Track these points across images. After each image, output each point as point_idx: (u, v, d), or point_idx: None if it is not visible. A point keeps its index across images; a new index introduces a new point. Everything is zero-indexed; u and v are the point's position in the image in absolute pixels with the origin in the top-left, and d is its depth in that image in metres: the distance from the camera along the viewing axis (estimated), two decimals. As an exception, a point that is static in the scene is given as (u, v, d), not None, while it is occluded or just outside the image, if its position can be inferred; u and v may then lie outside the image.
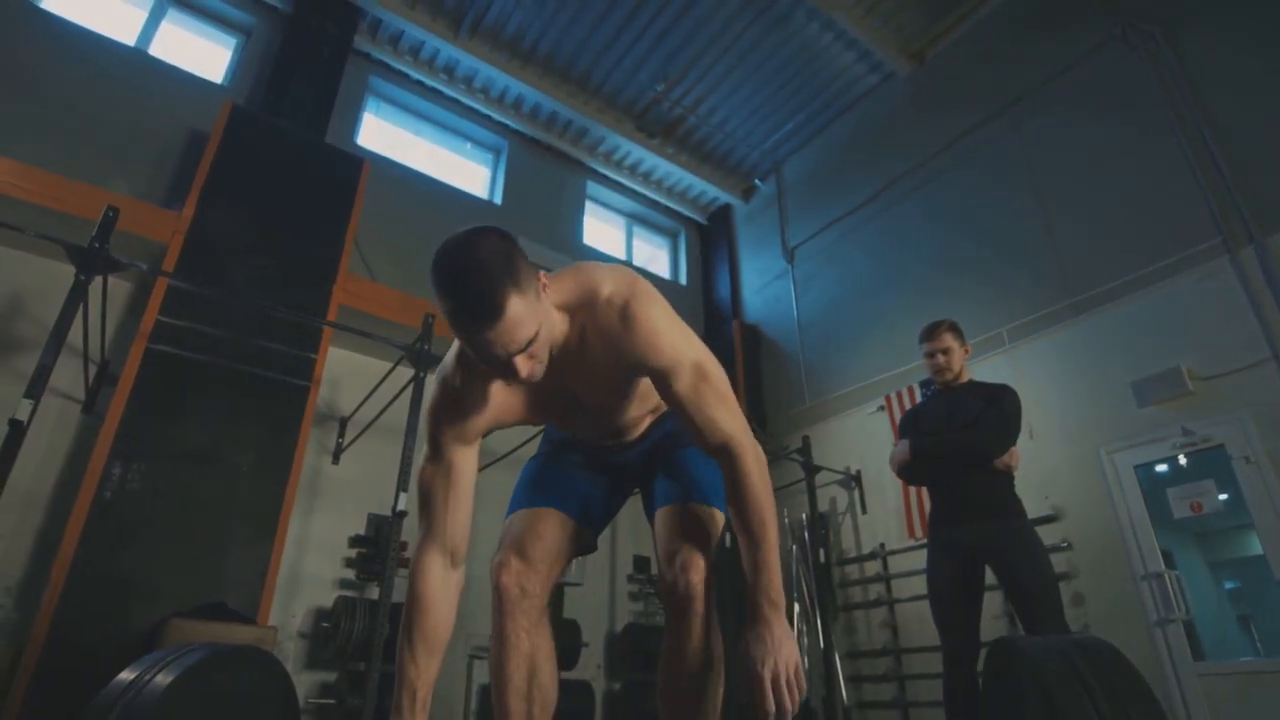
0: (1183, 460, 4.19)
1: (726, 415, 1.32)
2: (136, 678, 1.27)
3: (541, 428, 1.86)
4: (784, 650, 1.23)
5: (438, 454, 1.34)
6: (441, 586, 1.30)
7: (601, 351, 1.28)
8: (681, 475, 1.51)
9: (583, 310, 1.27)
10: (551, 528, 1.45)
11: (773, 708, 1.18)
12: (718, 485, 1.42)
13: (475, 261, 1.06)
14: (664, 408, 1.55)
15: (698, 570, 1.36)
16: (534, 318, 1.11)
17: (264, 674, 1.46)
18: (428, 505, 1.34)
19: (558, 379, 1.31)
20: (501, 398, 1.34)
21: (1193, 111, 4.49)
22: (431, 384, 1.37)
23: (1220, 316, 4.11)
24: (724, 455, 1.34)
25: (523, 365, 1.13)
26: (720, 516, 1.48)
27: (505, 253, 1.08)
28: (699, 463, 1.50)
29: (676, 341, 1.29)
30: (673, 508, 1.46)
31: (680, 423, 1.36)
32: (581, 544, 1.53)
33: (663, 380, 1.30)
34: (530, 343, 1.11)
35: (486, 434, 1.39)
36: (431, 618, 1.27)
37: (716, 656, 1.38)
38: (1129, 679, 1.00)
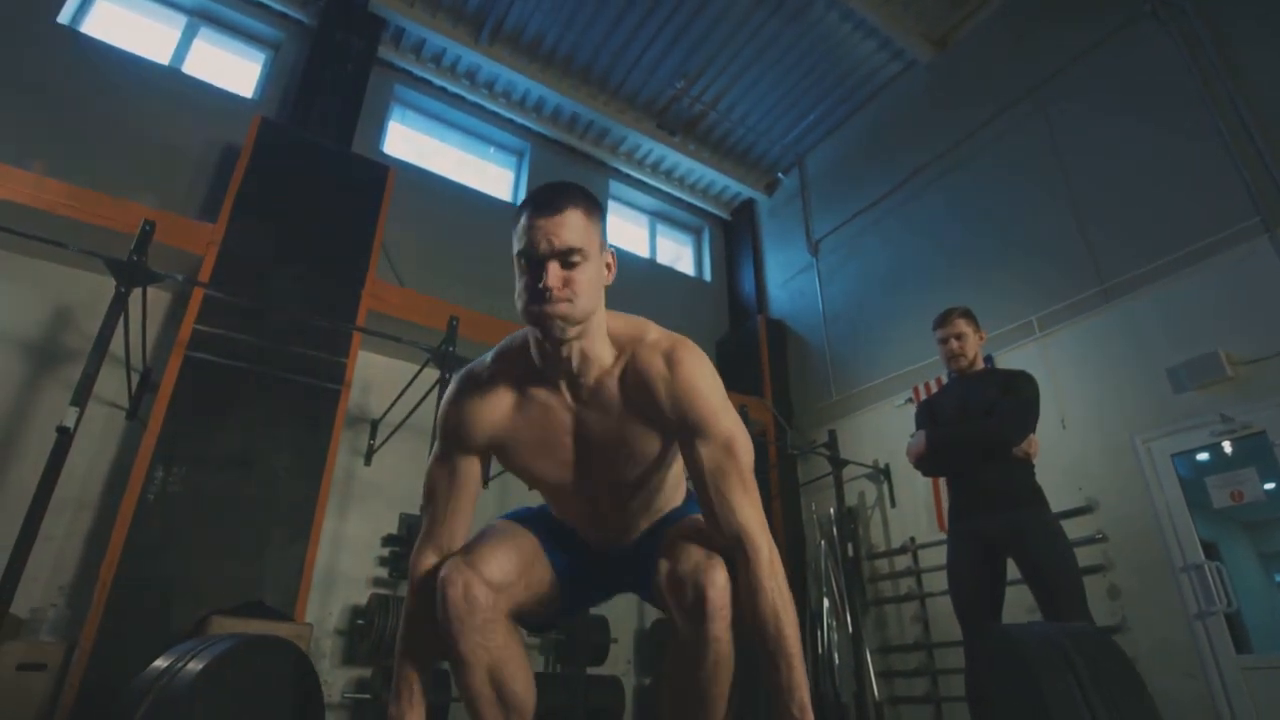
0: (1228, 448, 4.06)
1: (746, 503, 1.27)
2: (170, 665, 1.33)
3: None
4: None
5: (446, 454, 1.35)
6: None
7: (635, 394, 1.27)
8: (678, 516, 1.44)
9: (630, 345, 1.29)
10: (523, 550, 1.32)
11: None
12: None
13: (564, 182, 1.25)
14: (665, 511, 1.49)
15: (716, 585, 1.19)
16: (587, 244, 1.19)
17: (289, 663, 1.51)
18: (430, 505, 1.35)
19: (579, 420, 1.29)
20: (513, 414, 1.31)
21: (1228, 87, 4.35)
22: (452, 383, 1.39)
23: (1260, 298, 3.97)
24: (734, 552, 1.24)
25: (554, 273, 1.17)
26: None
27: (590, 193, 1.25)
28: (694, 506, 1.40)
29: (715, 403, 1.28)
30: (676, 528, 1.34)
31: (698, 498, 1.30)
32: (547, 599, 1.37)
33: (691, 437, 1.26)
34: (572, 256, 1.18)
35: (489, 451, 1.35)
36: (426, 618, 1.27)
37: (729, 672, 1.27)
38: (1118, 667, 1.00)
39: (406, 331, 4.51)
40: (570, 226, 1.18)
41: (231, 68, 5.92)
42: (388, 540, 4.70)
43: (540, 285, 1.17)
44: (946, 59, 6.47)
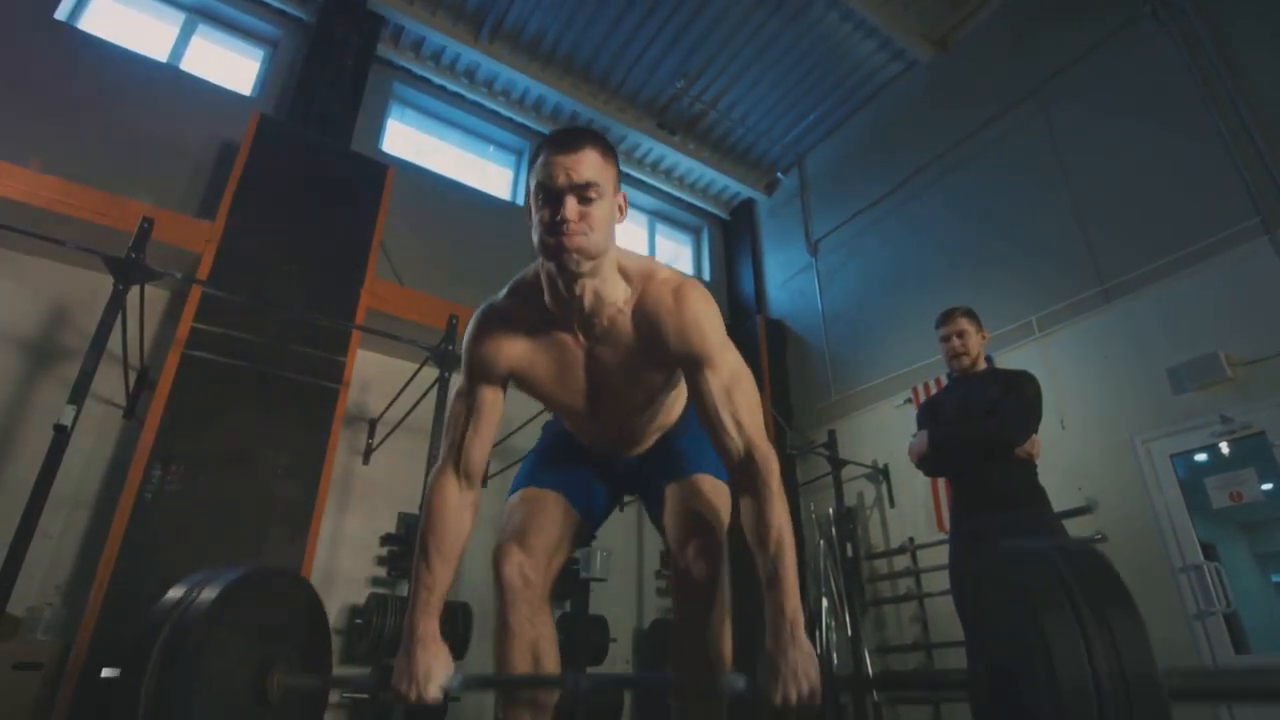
0: (1225, 449, 4.07)
1: (753, 425, 1.34)
2: (185, 594, 1.36)
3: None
4: (798, 674, 1.17)
5: (469, 386, 1.44)
6: (455, 501, 1.40)
7: (645, 329, 1.34)
8: (685, 451, 1.53)
9: (640, 281, 1.37)
10: (554, 516, 1.46)
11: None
12: (711, 456, 1.47)
13: (582, 125, 1.44)
14: (667, 425, 1.60)
15: (712, 561, 1.36)
16: (603, 180, 1.26)
17: (299, 591, 1.58)
18: (451, 430, 1.44)
19: (590, 355, 1.38)
20: (530, 348, 1.39)
21: (1228, 88, 4.36)
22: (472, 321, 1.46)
23: (1259, 299, 3.98)
24: (746, 464, 1.32)
25: (571, 206, 1.23)
26: (727, 489, 1.48)
27: (607, 138, 1.34)
28: (701, 440, 1.45)
29: (721, 338, 1.36)
30: (680, 484, 1.47)
31: (704, 424, 1.37)
32: (581, 536, 1.55)
33: (698, 369, 1.34)
34: (589, 190, 1.24)
35: (508, 380, 1.44)
36: (445, 529, 1.38)
37: (727, 640, 1.39)
38: (1110, 584, 1.00)
39: (405, 330, 4.49)
40: (588, 163, 1.25)
41: (230, 65, 5.90)
42: (386, 539, 4.68)
43: (558, 218, 1.23)
44: (947, 59, 6.47)
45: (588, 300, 1.32)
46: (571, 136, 1.27)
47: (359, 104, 5.69)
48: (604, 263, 1.32)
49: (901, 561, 5.45)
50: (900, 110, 6.80)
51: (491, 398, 1.43)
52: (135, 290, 3.32)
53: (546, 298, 1.36)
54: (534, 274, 1.40)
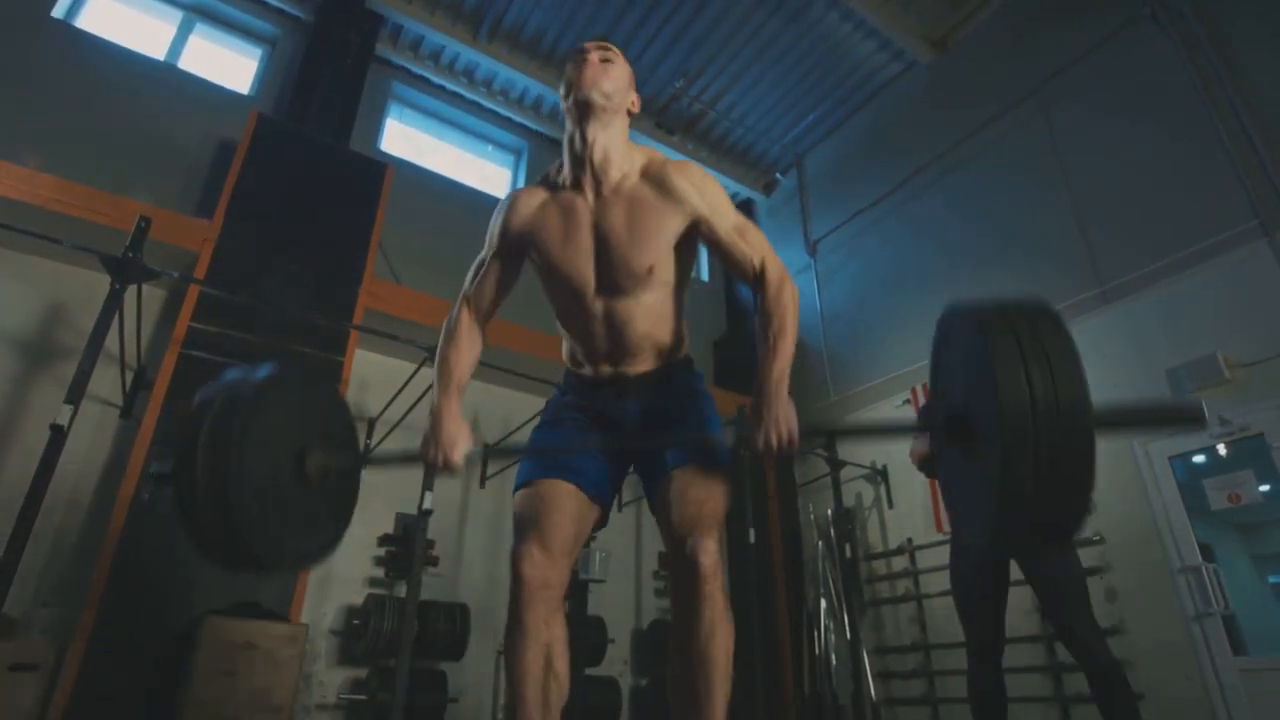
0: (1222, 450, 4.07)
1: (764, 245, 1.58)
2: (235, 378, 1.45)
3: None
4: (780, 422, 1.36)
5: (488, 254, 1.68)
6: (468, 326, 1.66)
7: (654, 185, 1.52)
8: (690, 432, 1.53)
9: (646, 155, 1.59)
10: (570, 510, 1.46)
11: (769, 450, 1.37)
12: (722, 440, 1.49)
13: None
14: (671, 359, 1.62)
15: (709, 553, 1.37)
16: (619, 60, 1.57)
17: (329, 388, 1.76)
18: (471, 276, 1.71)
19: (598, 214, 1.52)
20: (543, 208, 1.57)
21: (1227, 90, 4.36)
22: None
23: (1258, 301, 3.98)
24: (760, 277, 1.54)
25: (595, 57, 1.52)
26: (726, 477, 1.50)
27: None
28: (709, 413, 1.56)
29: (724, 195, 1.61)
30: (683, 472, 1.46)
31: (722, 260, 1.58)
32: (597, 521, 1.56)
33: (708, 215, 1.53)
34: (608, 54, 1.55)
35: (522, 246, 1.62)
36: (460, 344, 1.63)
37: (727, 634, 1.37)
38: (1053, 328, 1.15)
39: (404, 330, 4.48)
40: (610, 48, 1.58)
41: (228, 63, 5.88)
42: (384, 540, 4.66)
43: (583, 59, 1.52)
44: (946, 60, 6.47)
45: (598, 155, 1.51)
46: (602, 38, 1.62)
47: (357, 103, 5.68)
48: (615, 121, 1.54)
49: (900, 562, 5.45)
50: (900, 111, 6.80)
51: (508, 261, 1.65)
52: (132, 289, 3.30)
53: (565, 161, 1.57)
54: (558, 165, 1.62)
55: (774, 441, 1.35)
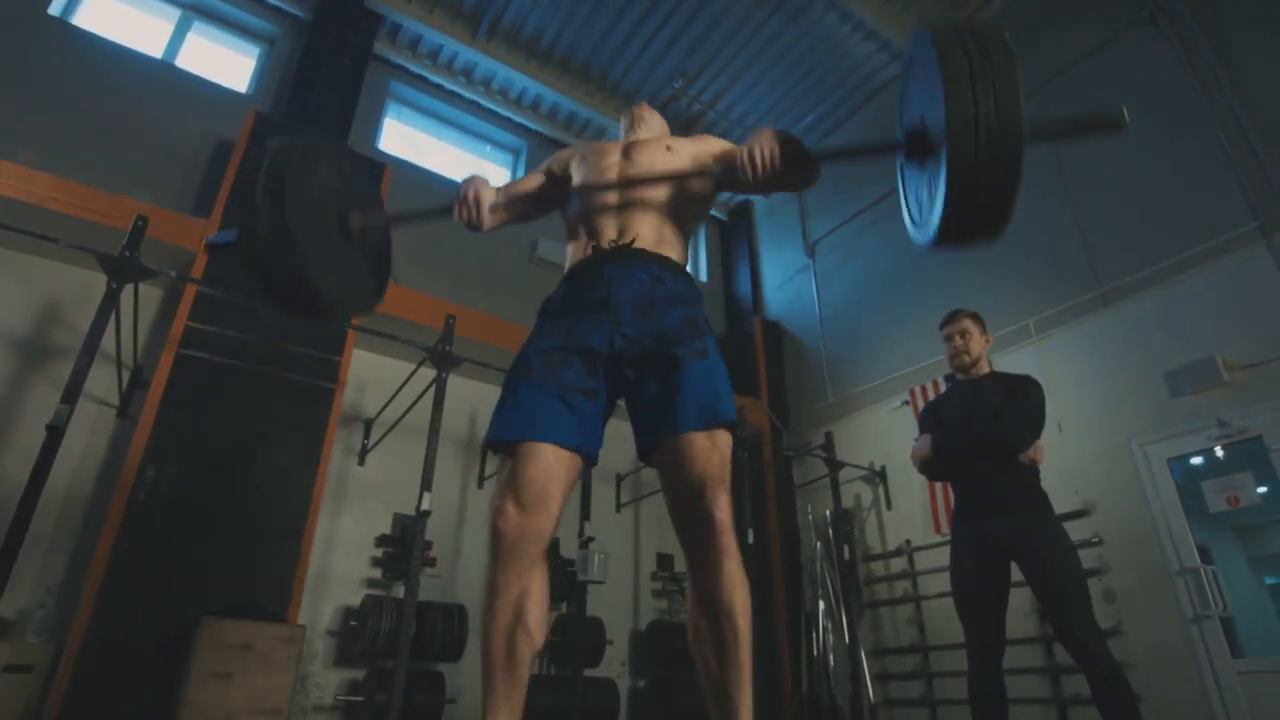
0: (1219, 452, 4.08)
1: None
2: (283, 147, 1.58)
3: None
4: (763, 141, 1.51)
5: (540, 167, 1.93)
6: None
7: (683, 139, 1.84)
8: (699, 393, 1.44)
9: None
10: (543, 465, 1.40)
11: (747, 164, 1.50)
12: (729, 399, 1.48)
13: None
14: (673, 257, 1.65)
15: (724, 507, 1.38)
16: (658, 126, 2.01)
17: (360, 164, 1.85)
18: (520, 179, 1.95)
19: (630, 148, 1.79)
20: (588, 150, 1.85)
21: (1226, 93, 4.37)
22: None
23: (1257, 303, 3.99)
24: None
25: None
26: (732, 431, 1.49)
27: None
28: (719, 374, 1.50)
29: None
30: (695, 436, 1.41)
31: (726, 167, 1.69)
32: (579, 470, 1.49)
33: (723, 150, 1.77)
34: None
35: (565, 169, 1.84)
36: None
37: (745, 582, 1.38)
38: (999, 50, 1.28)
39: (402, 330, 4.47)
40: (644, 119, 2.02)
41: (226, 62, 5.85)
42: (381, 541, 4.65)
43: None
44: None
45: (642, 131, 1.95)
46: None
47: (356, 102, 5.66)
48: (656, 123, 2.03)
49: (898, 564, 5.45)
50: (897, 112, 6.78)
51: (544, 178, 1.89)
52: (129, 289, 3.28)
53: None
54: None
55: (757, 154, 1.49)
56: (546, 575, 1.42)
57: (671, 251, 1.65)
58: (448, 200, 1.71)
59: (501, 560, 1.35)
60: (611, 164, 1.75)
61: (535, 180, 1.89)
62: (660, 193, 1.68)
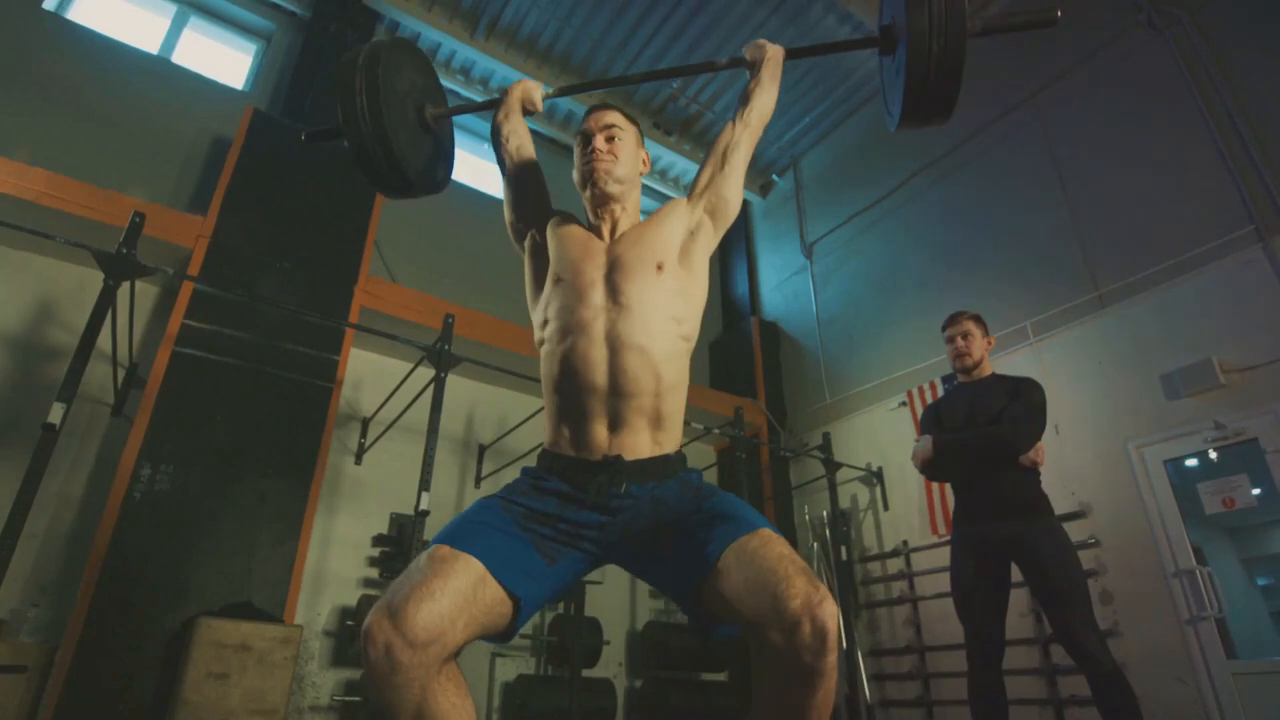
0: (1212, 455, 4.10)
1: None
2: (370, 45, 1.78)
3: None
4: (764, 43, 1.76)
5: (542, 189, 1.78)
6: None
7: (660, 212, 1.61)
8: (735, 511, 1.25)
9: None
10: (457, 586, 1.15)
11: None
12: (756, 512, 1.28)
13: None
14: (670, 416, 1.40)
15: (832, 613, 1.04)
16: (625, 127, 1.66)
17: (424, 57, 1.97)
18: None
19: (612, 242, 1.56)
20: (569, 225, 1.63)
21: (1223, 95, 4.39)
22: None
23: (1253, 306, 4.01)
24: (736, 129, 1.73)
25: (600, 141, 1.61)
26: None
27: (635, 119, 1.74)
28: (728, 505, 1.28)
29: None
30: (755, 535, 1.17)
31: (724, 161, 1.65)
32: (498, 617, 1.21)
33: (698, 185, 1.66)
34: (612, 130, 1.63)
35: (543, 211, 1.70)
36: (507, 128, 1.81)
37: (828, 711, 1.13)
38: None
39: (399, 329, 4.45)
40: (611, 115, 1.66)
41: (223, 58, 5.82)
42: (378, 540, 4.63)
43: (590, 149, 1.61)
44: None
45: (620, 226, 1.60)
46: (602, 104, 1.70)
47: (353, 100, 5.62)
48: (630, 193, 1.64)
49: (895, 565, 5.46)
50: (896, 114, 6.80)
51: (540, 187, 1.74)
52: (125, 286, 3.25)
53: (589, 216, 1.66)
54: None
55: (759, 47, 1.72)
56: (458, 688, 1.15)
57: (668, 438, 1.41)
58: (498, 96, 1.87)
59: (378, 686, 1.10)
60: (594, 304, 1.43)
61: (525, 185, 1.71)
62: (655, 346, 1.40)
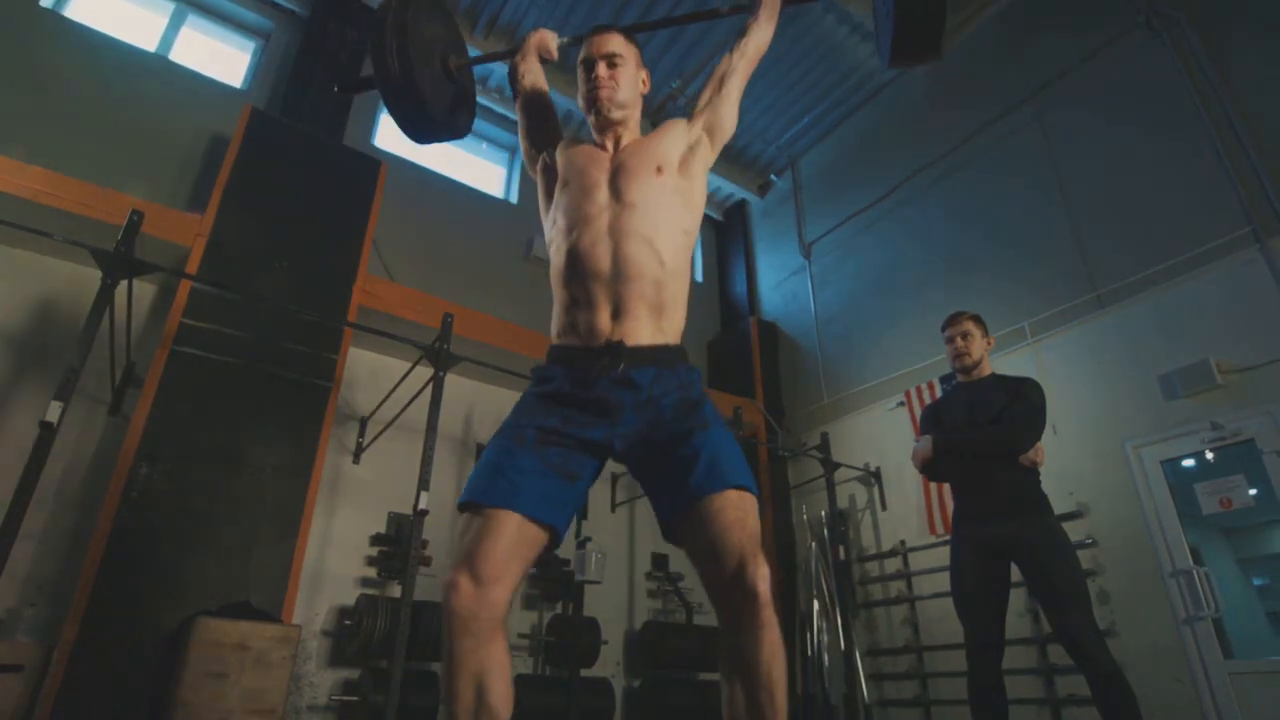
0: (1209, 455, 4.11)
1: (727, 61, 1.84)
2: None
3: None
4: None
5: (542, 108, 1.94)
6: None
7: (663, 129, 1.72)
8: (711, 460, 1.38)
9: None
10: (507, 538, 1.35)
11: None
12: (745, 466, 1.42)
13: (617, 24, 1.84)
14: (670, 305, 1.55)
15: (766, 578, 1.29)
16: (625, 53, 1.74)
17: (447, 13, 2.10)
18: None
19: (614, 150, 1.70)
20: (574, 141, 1.77)
21: (1220, 98, 4.40)
22: None
23: (1250, 308, 4.02)
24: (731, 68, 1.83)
25: (602, 69, 1.72)
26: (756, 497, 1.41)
27: (631, 33, 1.83)
28: (722, 447, 1.41)
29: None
30: (720, 497, 1.34)
31: (726, 86, 1.76)
32: (543, 545, 1.42)
33: (701, 109, 1.76)
34: (614, 58, 1.72)
35: (553, 134, 1.86)
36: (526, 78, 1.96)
37: (784, 658, 1.32)
38: None
39: (398, 328, 4.44)
40: (613, 41, 1.74)
41: (221, 57, 5.80)
42: (376, 540, 4.63)
43: (593, 76, 1.71)
44: (943, 64, 6.49)
45: (623, 142, 1.72)
46: (604, 26, 1.80)
47: (352, 99, 5.62)
48: (632, 115, 1.75)
49: (893, 564, 5.47)
50: (896, 114, 6.82)
51: (544, 114, 1.90)
52: (123, 285, 3.24)
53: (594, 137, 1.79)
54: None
55: None
56: (506, 646, 1.36)
57: (670, 326, 1.54)
58: (518, 46, 1.99)
59: (456, 636, 1.30)
60: (599, 201, 1.58)
61: (537, 114, 1.91)
62: (657, 235, 1.53)
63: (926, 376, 5.53)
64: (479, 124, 6.99)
